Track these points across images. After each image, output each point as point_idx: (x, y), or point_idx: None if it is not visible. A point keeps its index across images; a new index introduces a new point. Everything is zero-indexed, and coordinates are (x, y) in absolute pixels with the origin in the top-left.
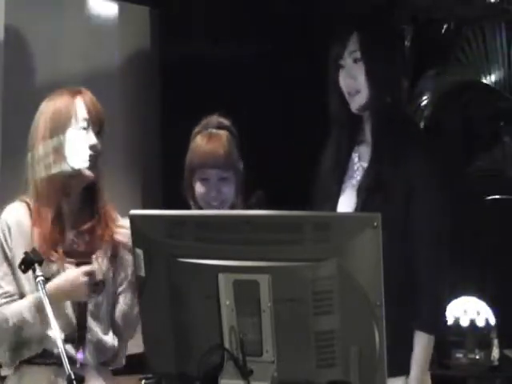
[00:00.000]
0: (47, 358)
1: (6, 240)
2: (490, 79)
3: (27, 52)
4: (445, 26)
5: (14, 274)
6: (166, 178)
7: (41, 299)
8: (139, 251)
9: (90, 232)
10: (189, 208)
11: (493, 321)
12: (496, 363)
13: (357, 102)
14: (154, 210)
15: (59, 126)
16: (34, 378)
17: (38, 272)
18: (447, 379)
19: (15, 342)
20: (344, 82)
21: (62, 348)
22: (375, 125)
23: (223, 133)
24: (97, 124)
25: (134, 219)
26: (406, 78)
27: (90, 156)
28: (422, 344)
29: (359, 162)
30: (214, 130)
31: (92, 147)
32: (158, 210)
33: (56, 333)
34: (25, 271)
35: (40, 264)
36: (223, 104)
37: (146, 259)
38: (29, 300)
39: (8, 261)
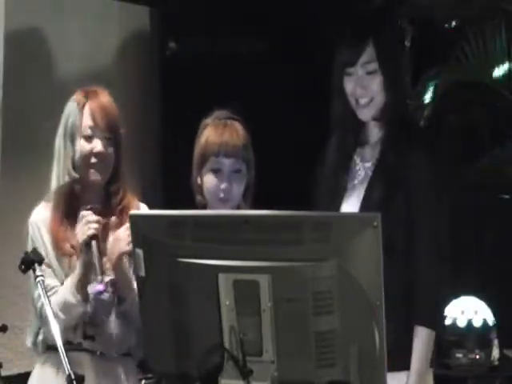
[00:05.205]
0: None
1: (37, 239)
2: (490, 79)
3: (27, 52)
4: (445, 26)
5: (50, 267)
6: (166, 178)
7: (79, 277)
8: (139, 251)
9: (106, 228)
10: (191, 205)
11: (493, 321)
12: (496, 363)
13: (369, 112)
14: (154, 210)
15: (69, 133)
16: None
17: (38, 272)
18: (447, 379)
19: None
20: (353, 90)
21: (61, 347)
22: (389, 130)
23: (238, 124)
24: (106, 130)
25: (134, 219)
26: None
27: (95, 163)
28: (422, 339)
29: (361, 163)
30: (229, 121)
31: (97, 155)
32: (158, 210)
33: (55, 332)
34: (25, 271)
35: (40, 264)
36: (223, 103)
37: (146, 259)
38: (67, 283)
39: None
